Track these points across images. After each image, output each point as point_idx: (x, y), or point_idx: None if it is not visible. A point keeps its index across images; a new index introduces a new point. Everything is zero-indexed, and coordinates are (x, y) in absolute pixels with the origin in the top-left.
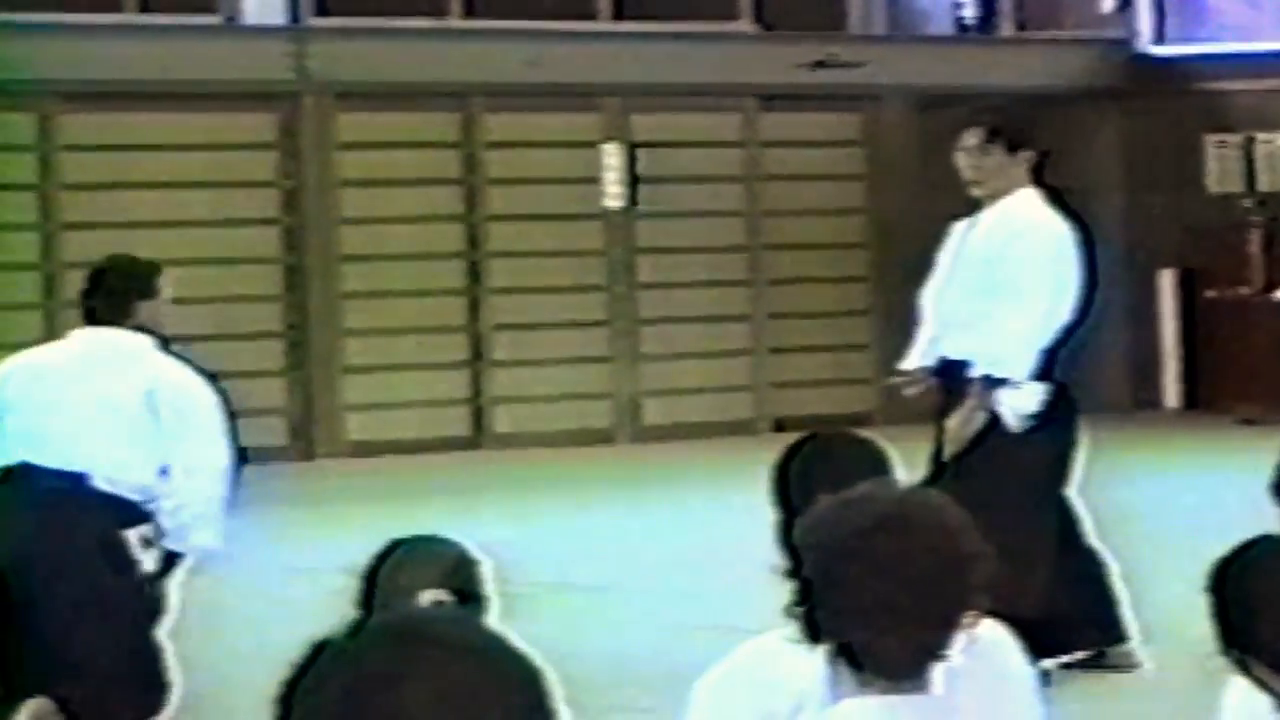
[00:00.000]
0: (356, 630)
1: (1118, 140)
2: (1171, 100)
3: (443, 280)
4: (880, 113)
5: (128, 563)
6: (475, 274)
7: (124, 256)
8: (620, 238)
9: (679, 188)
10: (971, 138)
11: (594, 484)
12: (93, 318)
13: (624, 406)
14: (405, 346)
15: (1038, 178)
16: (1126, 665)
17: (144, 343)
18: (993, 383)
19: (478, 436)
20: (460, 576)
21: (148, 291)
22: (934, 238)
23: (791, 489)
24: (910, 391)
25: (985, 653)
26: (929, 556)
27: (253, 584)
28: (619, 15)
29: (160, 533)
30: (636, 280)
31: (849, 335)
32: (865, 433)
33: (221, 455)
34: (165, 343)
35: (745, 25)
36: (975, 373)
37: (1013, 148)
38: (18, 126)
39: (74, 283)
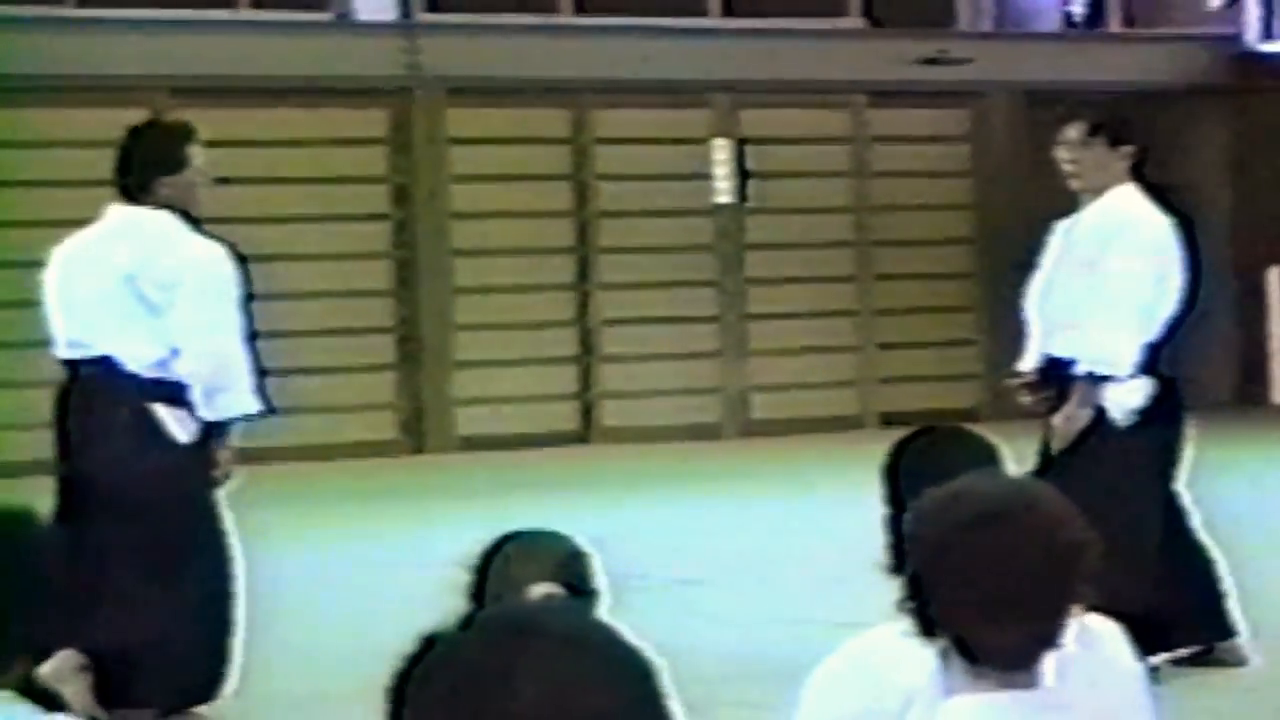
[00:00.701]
0: (467, 623)
1: (1226, 137)
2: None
3: (552, 275)
4: (987, 109)
5: (162, 439)
6: (585, 269)
7: (154, 126)
8: (729, 233)
9: (788, 183)
10: (1072, 131)
11: (702, 479)
12: (122, 194)
13: (732, 401)
14: (515, 341)
15: (1138, 173)
16: (1234, 661)
17: (157, 222)
18: (1096, 380)
19: (586, 431)
20: (571, 570)
21: (172, 165)
22: (1040, 234)
23: (901, 483)
24: (1024, 399)
25: (1095, 645)
26: (1037, 547)
27: (362, 576)
28: (729, 12)
29: (191, 405)
30: (745, 275)
31: (955, 331)
32: (973, 428)
33: (224, 322)
34: (190, 217)
35: (854, 21)
36: (1079, 370)
37: (1114, 143)
38: (126, 123)
39: None
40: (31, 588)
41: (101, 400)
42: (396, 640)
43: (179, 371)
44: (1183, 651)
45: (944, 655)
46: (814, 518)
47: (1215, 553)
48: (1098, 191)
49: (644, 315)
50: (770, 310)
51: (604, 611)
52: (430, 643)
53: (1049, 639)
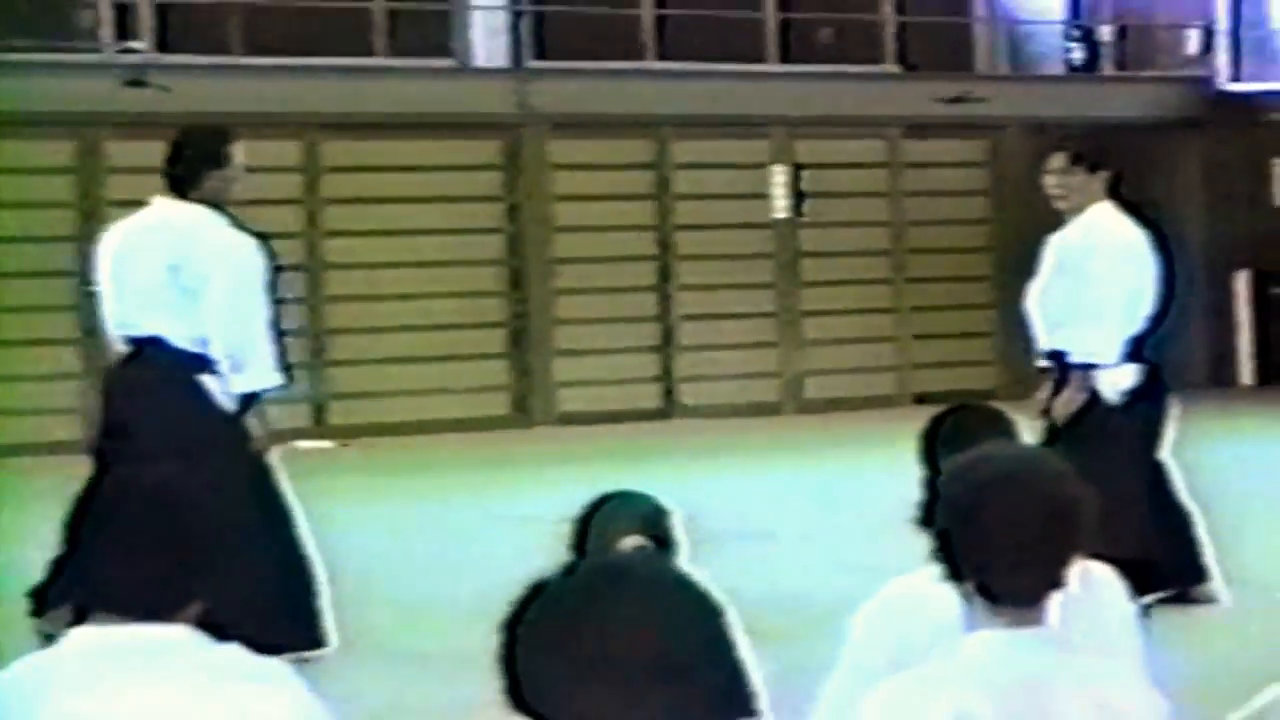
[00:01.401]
0: (569, 571)
1: (1200, 162)
2: (1245, 129)
3: (638, 278)
4: (1002, 140)
5: (213, 406)
6: (665, 274)
7: (199, 127)
8: (786, 243)
9: (835, 202)
10: (1057, 160)
11: (765, 449)
12: (170, 186)
13: (789, 384)
14: (607, 333)
15: (1115, 193)
16: (1206, 600)
17: (196, 215)
18: (1087, 367)
19: (668, 408)
20: (656, 525)
21: (217, 161)
22: (1044, 244)
23: (937, 450)
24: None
25: (1094, 586)
26: (1045, 504)
27: (481, 530)
28: (786, 58)
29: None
30: (799, 279)
31: (975, 325)
32: (993, 405)
33: (250, 305)
34: (226, 210)
35: (891, 67)
36: (1072, 360)
37: (1093, 168)
38: (284, 153)
39: (336, 282)
40: (200, 535)
41: (154, 374)
42: (509, 585)
43: (212, 351)
44: (1165, 593)
45: (968, 596)
46: (859, 480)
47: (1193, 509)
48: (1080, 210)
49: (715, 311)
50: (820, 307)
51: (684, 561)
52: (539, 588)
53: (1055, 582)
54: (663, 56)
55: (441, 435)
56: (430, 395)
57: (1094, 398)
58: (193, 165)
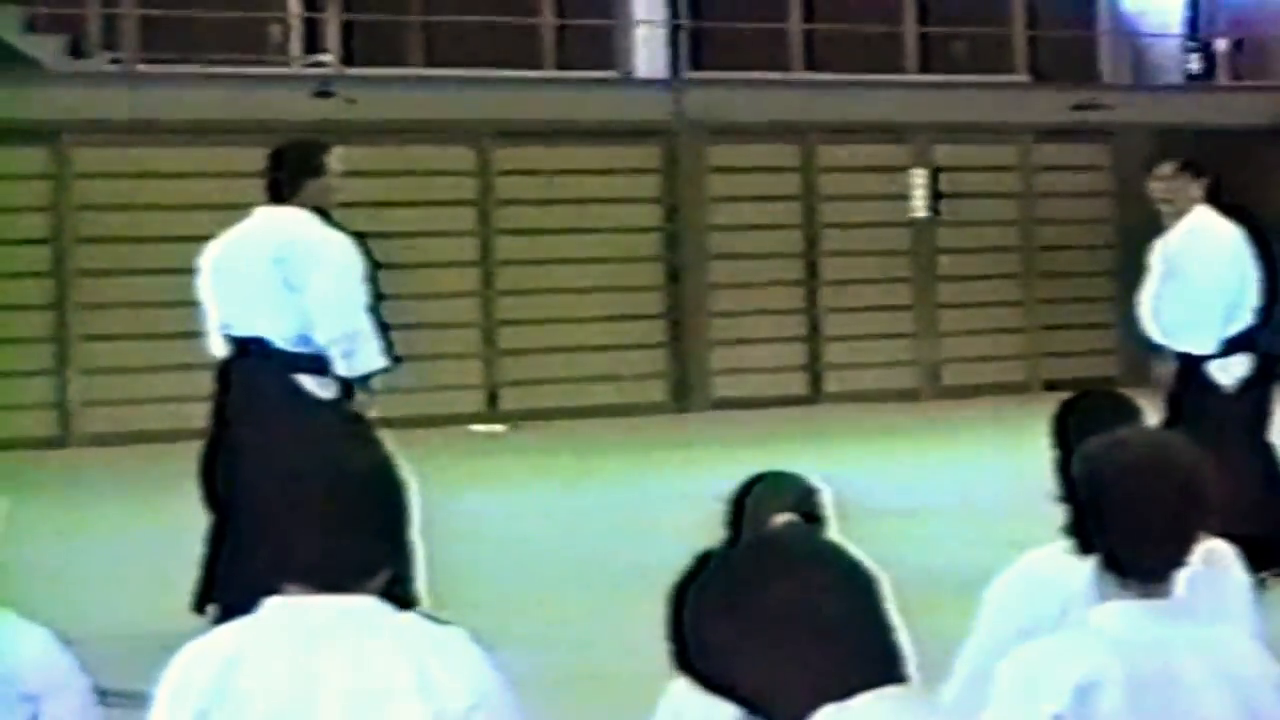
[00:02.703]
0: (733, 544)
1: None
2: None
3: (787, 273)
4: (1125, 144)
5: (312, 401)
6: (812, 269)
7: (299, 139)
8: (925, 240)
9: (970, 202)
10: (1166, 168)
11: (905, 431)
12: (271, 194)
13: (928, 371)
14: (758, 324)
15: (1214, 196)
16: None
17: (297, 217)
18: (1191, 358)
19: (815, 394)
20: (807, 502)
21: (316, 170)
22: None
23: (1069, 432)
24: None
25: (1215, 562)
26: (1174, 486)
27: (640, 508)
28: (925, 69)
29: (330, 371)
30: (936, 274)
31: (1100, 316)
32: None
33: (352, 296)
34: (327, 216)
35: (1022, 77)
36: (1174, 349)
37: (1195, 175)
38: (460, 158)
39: (507, 277)
40: (394, 509)
41: (256, 374)
42: (666, 558)
43: (318, 340)
44: None
45: (1098, 569)
46: (994, 461)
47: None
48: (1183, 213)
49: (858, 304)
50: (956, 300)
51: (832, 536)
52: (705, 558)
53: (1182, 558)
54: (810, 67)
55: (604, 419)
56: (594, 382)
57: (1210, 385)
58: (292, 174)
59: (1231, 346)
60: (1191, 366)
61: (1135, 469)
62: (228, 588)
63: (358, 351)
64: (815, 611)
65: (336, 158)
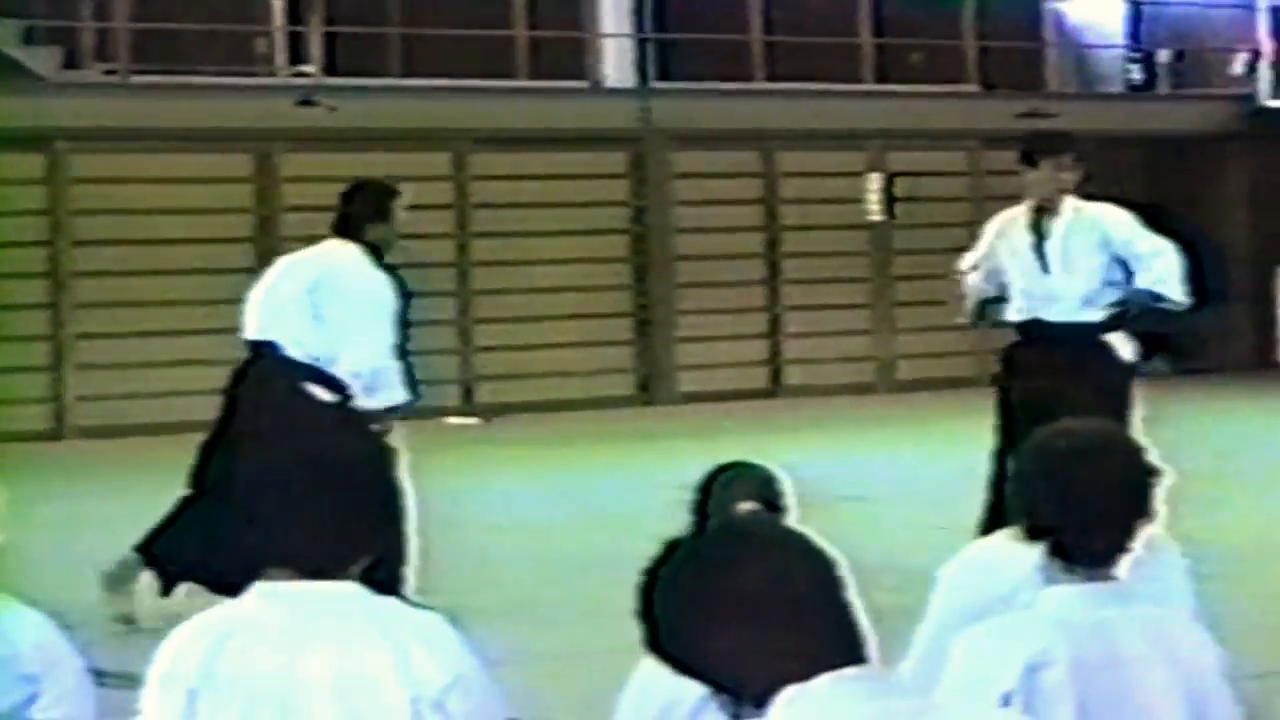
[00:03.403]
0: (699, 532)
1: (1245, 171)
2: None
3: (750, 273)
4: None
5: (313, 400)
6: (773, 269)
7: (373, 181)
8: (881, 242)
9: (923, 205)
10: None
11: (862, 424)
12: (338, 229)
13: (883, 366)
14: (721, 322)
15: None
16: None
17: (346, 253)
18: None
19: (775, 388)
20: (769, 491)
21: (381, 215)
22: None
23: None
24: None
25: (1156, 549)
26: (1122, 475)
27: (610, 496)
28: (881, 79)
29: (349, 391)
30: (892, 273)
31: None
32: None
33: (374, 331)
34: (379, 256)
35: (972, 86)
36: None
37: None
38: (437, 164)
39: (482, 277)
40: (378, 498)
41: (268, 373)
42: (634, 544)
43: (342, 370)
44: None
45: (1045, 555)
46: (945, 452)
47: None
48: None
49: (817, 302)
50: (911, 298)
51: (793, 523)
52: (674, 544)
53: (1124, 544)
54: (771, 77)
55: (575, 413)
56: (565, 377)
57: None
58: (358, 216)
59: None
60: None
61: (1079, 457)
62: (200, 566)
63: (379, 387)
64: (779, 595)
65: (403, 201)
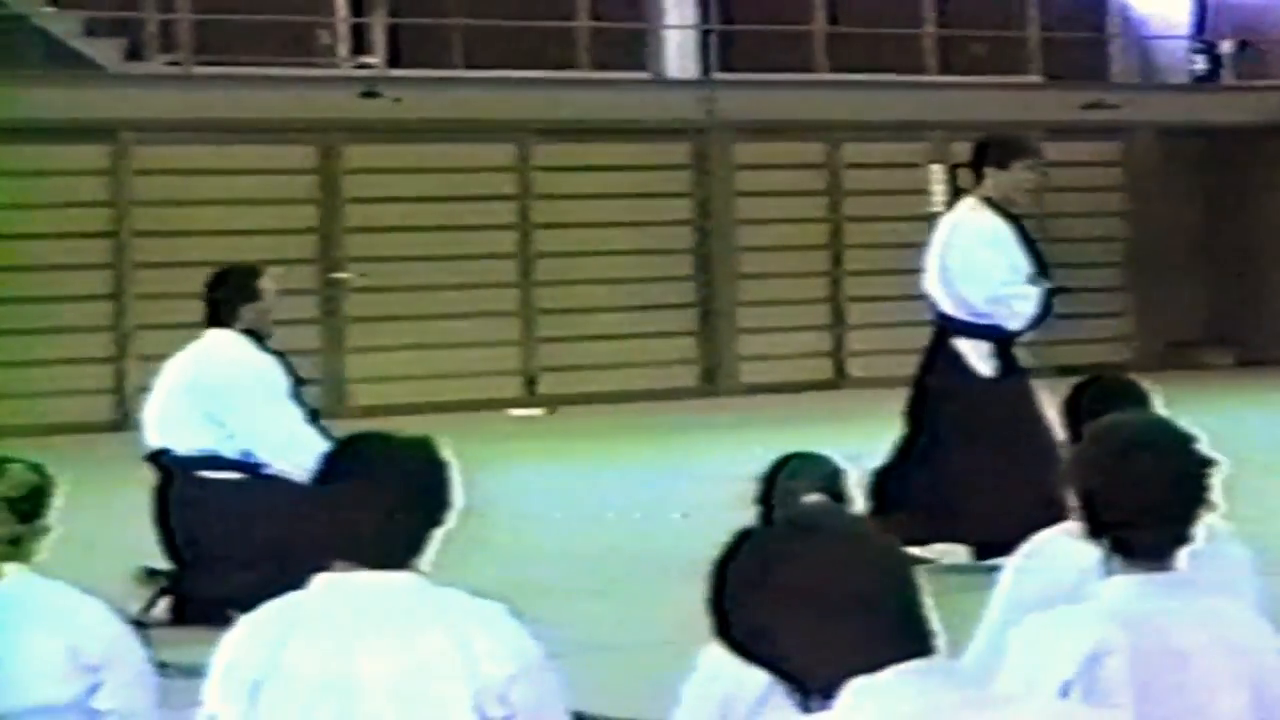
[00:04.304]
0: (768, 521)
1: None
2: None
3: (813, 265)
4: (1133, 141)
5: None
6: (836, 260)
7: (235, 266)
8: None
9: None
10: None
11: None
12: (211, 318)
13: None
14: (785, 313)
15: None
16: None
17: (224, 341)
18: None
19: (839, 380)
20: (834, 482)
21: (251, 295)
22: (1173, 235)
23: (1080, 415)
24: None
25: (1216, 539)
26: (1179, 467)
27: (673, 486)
28: (944, 70)
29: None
30: None
31: (1110, 305)
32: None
33: (275, 412)
34: (259, 338)
35: (1035, 77)
36: None
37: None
38: (500, 155)
39: (545, 269)
40: (439, 497)
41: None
42: (697, 535)
43: (264, 459)
44: None
45: (1105, 550)
46: None
47: None
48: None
49: (879, 294)
50: None
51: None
52: (745, 534)
53: (1184, 536)
54: (834, 68)
55: (637, 404)
56: (628, 368)
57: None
58: (229, 299)
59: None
60: None
61: (1136, 451)
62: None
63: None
64: (848, 586)
65: (271, 278)
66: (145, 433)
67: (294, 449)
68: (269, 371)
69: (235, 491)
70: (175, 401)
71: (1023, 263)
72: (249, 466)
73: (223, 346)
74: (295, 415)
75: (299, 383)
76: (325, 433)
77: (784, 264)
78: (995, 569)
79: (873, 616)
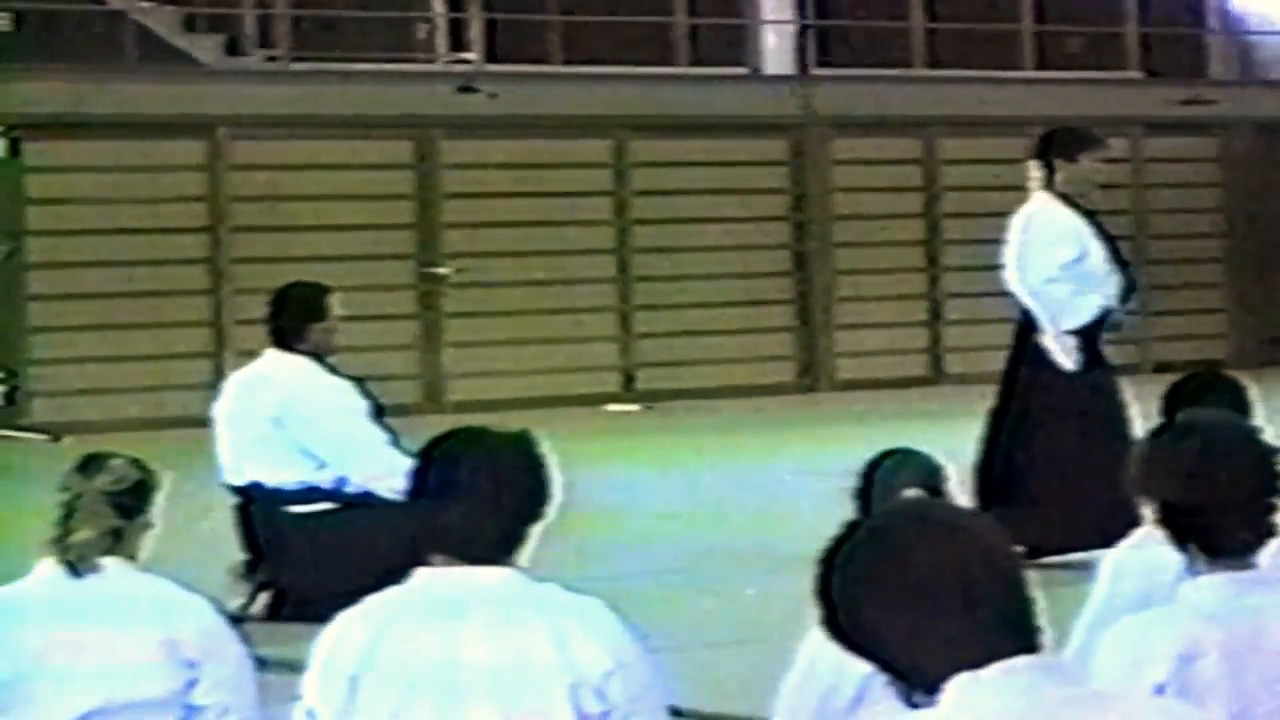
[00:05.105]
0: (874, 514)
1: None
2: None
3: (910, 260)
4: (1231, 137)
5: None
6: (933, 256)
7: (300, 284)
8: None
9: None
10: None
11: None
12: (276, 339)
13: None
14: (882, 309)
15: None
16: None
17: (298, 367)
18: None
19: (936, 376)
20: (933, 478)
21: (319, 315)
22: (1271, 231)
23: (1178, 410)
24: None
25: None
26: (1256, 463)
27: (771, 482)
28: (1042, 65)
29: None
30: None
31: (1208, 301)
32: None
33: (361, 433)
34: (323, 360)
35: (1135, 73)
36: None
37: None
38: (597, 150)
39: (642, 264)
40: (537, 493)
41: (267, 512)
42: (797, 530)
43: (356, 482)
44: None
45: (1190, 551)
46: None
47: None
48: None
49: (978, 290)
50: None
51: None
52: (854, 526)
53: (1266, 533)
54: (931, 64)
55: (735, 400)
56: (725, 364)
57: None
58: (295, 320)
59: None
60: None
61: (1216, 448)
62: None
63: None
64: (955, 580)
65: (337, 300)
66: (226, 468)
67: (387, 472)
68: (351, 397)
69: (338, 523)
70: (259, 434)
71: (1098, 257)
72: (345, 496)
73: (298, 374)
74: (382, 438)
75: (377, 406)
76: (409, 453)
77: (881, 260)
78: (1096, 565)
79: (979, 611)
